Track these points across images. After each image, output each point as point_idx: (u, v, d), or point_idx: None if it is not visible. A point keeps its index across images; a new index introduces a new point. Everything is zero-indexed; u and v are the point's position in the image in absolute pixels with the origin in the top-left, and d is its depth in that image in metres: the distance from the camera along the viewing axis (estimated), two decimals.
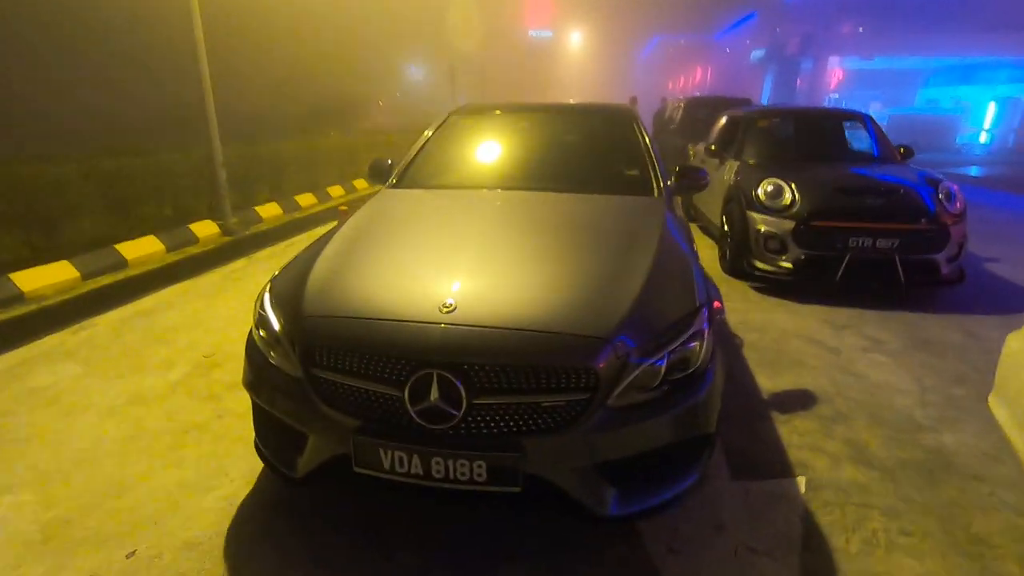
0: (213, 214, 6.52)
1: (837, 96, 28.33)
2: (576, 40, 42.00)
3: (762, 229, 4.40)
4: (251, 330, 2.08)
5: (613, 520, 1.68)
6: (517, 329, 1.68)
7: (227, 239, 6.31)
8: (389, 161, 3.26)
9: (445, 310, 1.70)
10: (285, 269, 2.18)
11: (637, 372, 1.65)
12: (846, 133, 5.69)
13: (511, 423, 1.63)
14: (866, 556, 1.83)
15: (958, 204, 4.25)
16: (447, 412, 1.61)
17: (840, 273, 4.17)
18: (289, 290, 1.97)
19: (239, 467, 2.29)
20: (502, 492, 1.63)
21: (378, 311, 1.77)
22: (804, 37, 25.04)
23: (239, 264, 5.36)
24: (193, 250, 5.80)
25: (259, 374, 1.94)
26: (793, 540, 1.89)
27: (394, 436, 1.66)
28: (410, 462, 1.64)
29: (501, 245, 2.16)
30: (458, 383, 1.59)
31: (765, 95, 29.19)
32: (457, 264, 1.99)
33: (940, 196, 4.23)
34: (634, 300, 1.78)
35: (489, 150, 3.28)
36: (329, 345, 1.74)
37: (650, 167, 2.97)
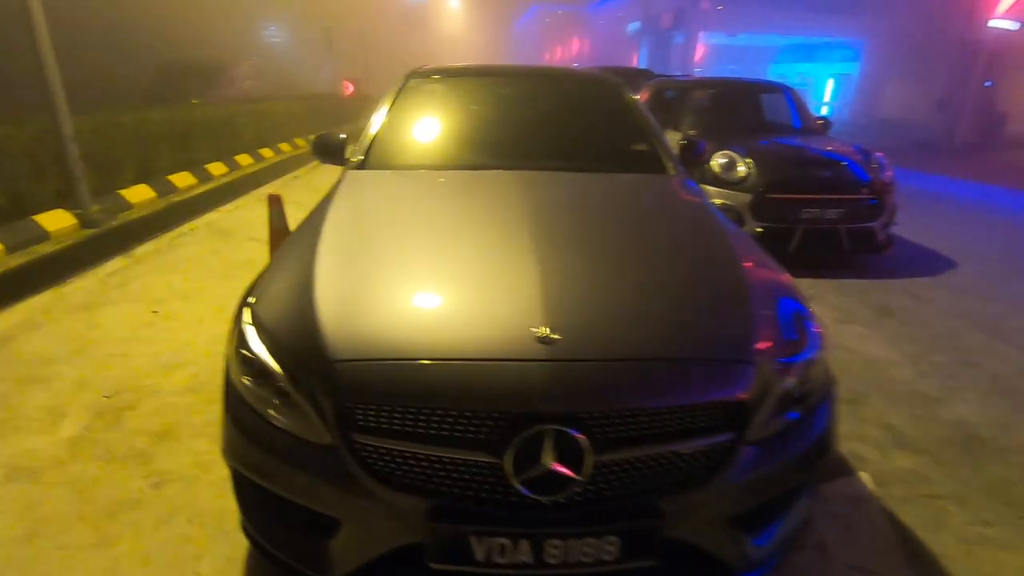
0: (65, 201, 5.22)
1: (700, 69, 30.34)
2: (454, 6, 40.57)
3: (717, 203, 4.34)
4: (227, 375, 1.49)
5: (756, 572, 1.39)
6: (641, 359, 1.29)
7: (89, 232, 5.10)
8: (342, 136, 2.63)
9: (542, 340, 1.27)
10: (264, 289, 1.58)
11: (775, 398, 1.35)
12: (768, 105, 5.85)
13: (644, 481, 1.26)
14: (967, 557, 1.74)
15: (888, 173, 4.49)
16: (565, 478, 1.20)
17: (794, 244, 4.24)
18: (289, 322, 1.41)
19: (210, 562, 1.68)
20: (635, 569, 1.27)
21: (449, 347, 1.28)
22: (677, 12, 26.26)
23: (117, 264, 4.30)
24: (45, 248, 4.59)
25: (254, 441, 1.37)
26: (895, 551, 1.75)
27: (490, 517, 1.22)
28: (516, 549, 1.21)
29: (553, 245, 1.71)
30: (580, 439, 1.18)
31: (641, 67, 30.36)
32: (520, 273, 1.52)
33: (874, 166, 4.44)
34: (750, 309, 1.48)
35: (467, 121, 2.77)
36: (380, 401, 1.23)
37: (655, 140, 2.66)
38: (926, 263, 4.71)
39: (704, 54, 30.88)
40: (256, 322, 1.45)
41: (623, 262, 1.66)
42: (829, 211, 4.21)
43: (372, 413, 1.24)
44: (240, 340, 1.45)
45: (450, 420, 1.22)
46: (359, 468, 1.24)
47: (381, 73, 25.30)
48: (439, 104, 2.84)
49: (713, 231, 1.89)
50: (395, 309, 1.40)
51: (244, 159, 8.76)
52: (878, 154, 4.60)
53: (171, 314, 3.37)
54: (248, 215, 5.89)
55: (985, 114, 15.27)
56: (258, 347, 1.39)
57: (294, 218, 4.28)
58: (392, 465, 1.25)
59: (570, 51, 49.20)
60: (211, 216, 5.84)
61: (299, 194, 6.98)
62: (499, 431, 1.20)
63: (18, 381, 2.61)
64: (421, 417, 1.22)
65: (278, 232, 3.13)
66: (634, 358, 1.28)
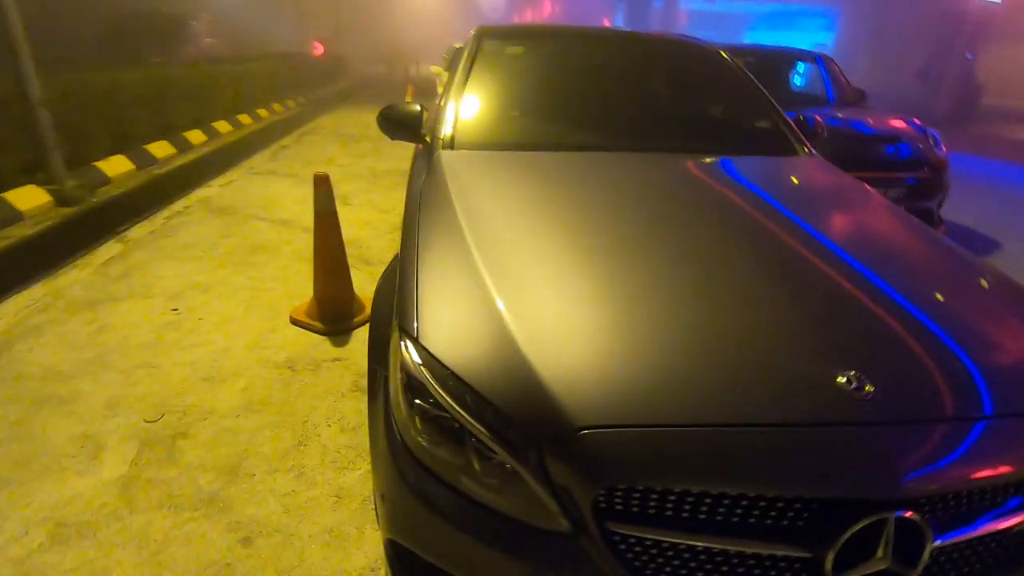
0: (34, 176, 4.57)
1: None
2: None
3: None
4: (391, 426, 1.16)
5: None
6: (979, 417, 1.01)
7: (68, 211, 4.48)
8: (416, 107, 2.22)
9: (854, 393, 0.97)
10: (427, 318, 1.22)
11: None
12: (802, 75, 5.58)
13: (976, 567, 1.00)
14: None
15: (943, 149, 4.31)
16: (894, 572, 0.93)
17: None
18: (494, 372, 1.06)
19: None
20: None
21: (732, 408, 0.97)
22: None
23: (111, 250, 3.77)
24: (22, 231, 4.00)
25: (439, 518, 1.05)
26: None
27: None
28: None
29: (776, 256, 1.39)
30: (920, 524, 0.91)
31: None
32: (771, 298, 1.22)
33: (930, 142, 4.25)
34: None
35: (564, 92, 2.38)
36: (650, 479, 0.92)
37: (777, 116, 2.36)
38: (971, 243, 4.61)
39: (684, 21, 30.43)
40: (432, 364, 1.10)
41: (883, 280, 1.33)
42: (891, 191, 4.01)
43: (636, 495, 0.93)
44: (412, 387, 1.11)
45: (745, 504, 0.92)
46: (614, 564, 0.94)
47: (353, 33, 23.96)
48: (525, 71, 2.46)
49: (931, 235, 1.62)
50: (636, 357, 1.07)
51: (223, 126, 8.01)
52: (932, 129, 4.41)
53: (194, 312, 2.93)
54: (246, 191, 5.34)
55: (963, 86, 15.47)
56: (446, 400, 1.05)
57: (305, 197, 3.87)
58: (659, 560, 0.95)
59: (541, 13, 47.82)
60: (204, 192, 5.26)
61: (297, 166, 6.41)
62: (819, 519, 0.91)
63: (33, 403, 2.17)
64: (704, 500, 0.92)
65: (325, 216, 2.71)
66: (972, 416, 1.00)
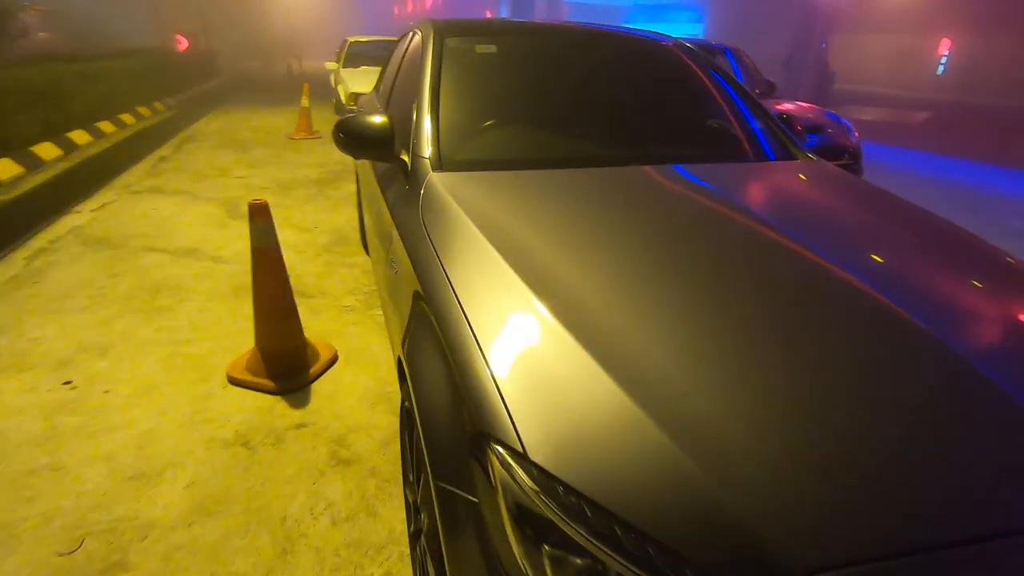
0: None
1: None
2: None
3: None
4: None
5: None
6: None
7: None
8: (385, 118, 1.85)
9: None
10: (524, 420, 0.90)
11: None
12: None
13: None
14: None
15: (856, 136, 4.58)
16: None
17: None
18: (642, 483, 0.79)
19: None
20: None
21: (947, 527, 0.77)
22: None
23: None
24: None
25: None
26: None
27: None
28: None
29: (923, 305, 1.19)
30: None
31: None
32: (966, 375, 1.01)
33: (844, 130, 4.49)
34: None
35: (556, 97, 2.11)
36: None
37: (767, 117, 2.26)
38: None
39: (565, 12, 31.07)
40: (553, 488, 0.81)
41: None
42: None
43: None
44: (531, 523, 0.81)
45: None
46: None
47: (220, 27, 21.76)
48: (504, 74, 2.15)
49: (954, 233, 1.55)
50: (818, 457, 0.84)
51: (80, 136, 6.80)
52: (844, 118, 4.67)
53: (95, 383, 2.32)
54: (127, 215, 4.50)
55: (820, 73, 17.18)
56: (585, 539, 0.76)
57: (205, 218, 3.40)
58: None
59: (423, 5, 46.75)
60: (72, 220, 4.36)
61: (185, 181, 5.55)
62: None
63: None
64: None
65: (265, 253, 2.23)
66: None
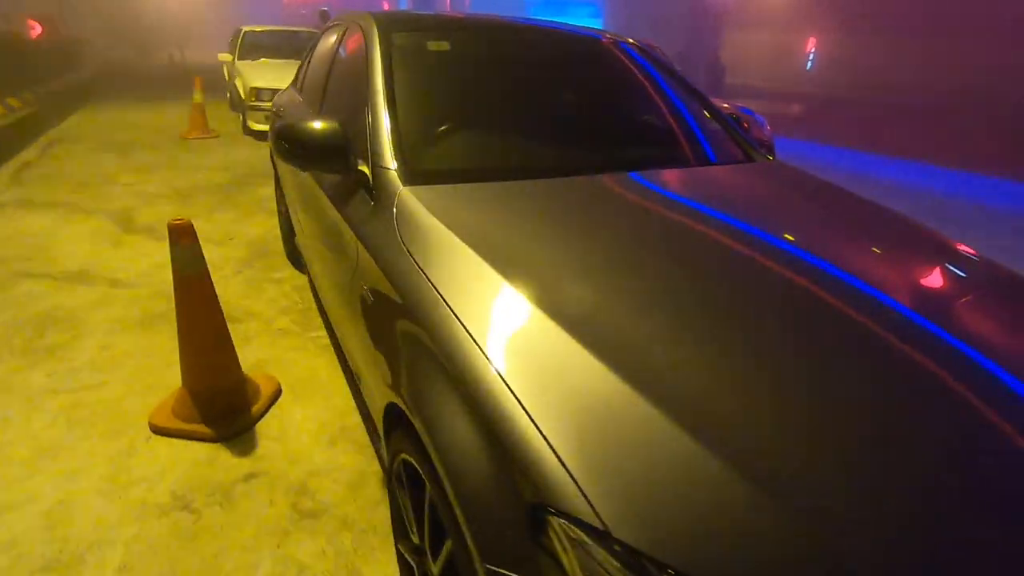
0: None
1: None
2: None
3: None
4: None
5: None
6: None
7: None
8: (336, 123, 1.63)
9: None
10: (585, 481, 0.78)
11: None
12: None
13: None
14: None
15: (769, 130, 4.84)
16: None
17: None
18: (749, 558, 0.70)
19: None
20: None
21: None
22: None
23: None
24: None
25: None
26: None
27: None
28: None
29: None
30: None
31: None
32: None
33: (759, 125, 4.73)
34: None
35: (520, 98, 1.97)
36: None
37: (720, 118, 2.26)
38: None
39: (468, 4, 30.77)
40: (646, 569, 0.70)
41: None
42: None
43: None
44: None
45: None
46: None
47: (84, 11, 19.29)
48: (462, 72, 1.99)
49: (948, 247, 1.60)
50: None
51: None
52: (758, 114, 4.91)
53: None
54: None
55: (713, 68, 18.28)
56: None
57: (91, 234, 3.01)
58: None
59: None
60: None
61: (60, 190, 4.81)
62: None
63: None
64: None
65: (194, 281, 1.92)
66: None
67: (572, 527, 0.75)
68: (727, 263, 1.29)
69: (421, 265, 1.22)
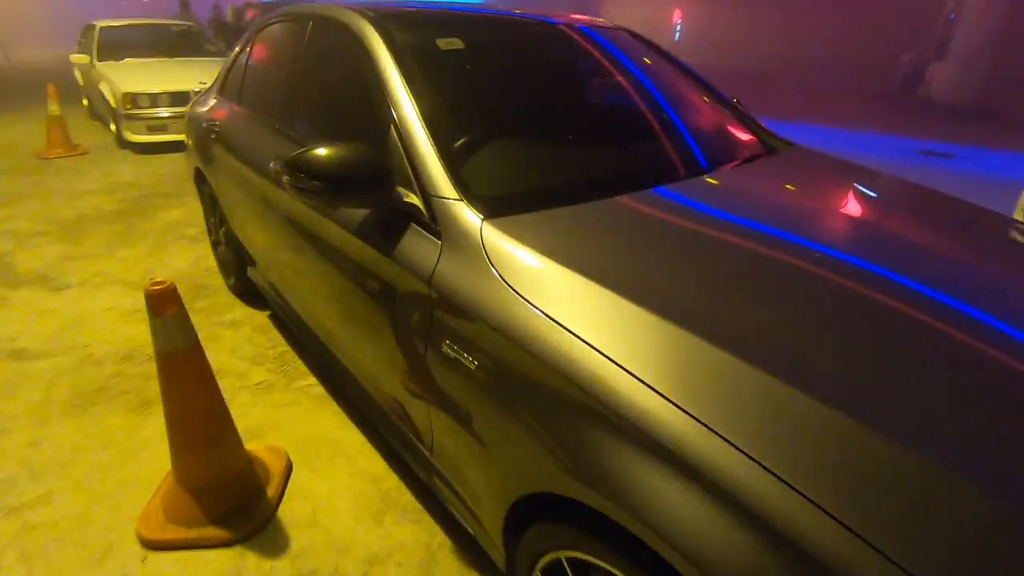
0: None
1: None
2: None
3: None
4: None
5: None
6: None
7: None
8: (365, 151, 1.33)
9: None
10: None
11: None
12: None
13: None
14: None
15: None
16: None
17: None
18: None
19: None
20: None
21: None
22: None
23: None
24: None
25: None
26: None
27: None
28: None
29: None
30: None
31: None
32: None
33: None
34: None
35: (563, 104, 1.76)
36: None
37: (733, 107, 2.18)
38: None
39: None
40: None
41: None
42: None
43: None
44: None
45: None
46: None
47: None
48: (482, 79, 1.72)
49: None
50: None
51: None
52: None
53: None
54: None
55: None
56: None
57: None
58: None
59: None
60: None
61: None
62: None
63: None
64: None
65: (178, 360, 1.52)
66: None
67: None
68: (847, 271, 1.19)
69: (558, 318, 1.00)
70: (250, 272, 2.72)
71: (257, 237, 2.33)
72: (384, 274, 1.38)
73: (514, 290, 1.08)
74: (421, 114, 1.42)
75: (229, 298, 3.06)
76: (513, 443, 1.06)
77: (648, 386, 0.86)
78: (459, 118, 1.52)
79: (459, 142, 1.43)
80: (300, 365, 2.47)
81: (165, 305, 1.45)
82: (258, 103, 2.30)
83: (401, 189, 1.36)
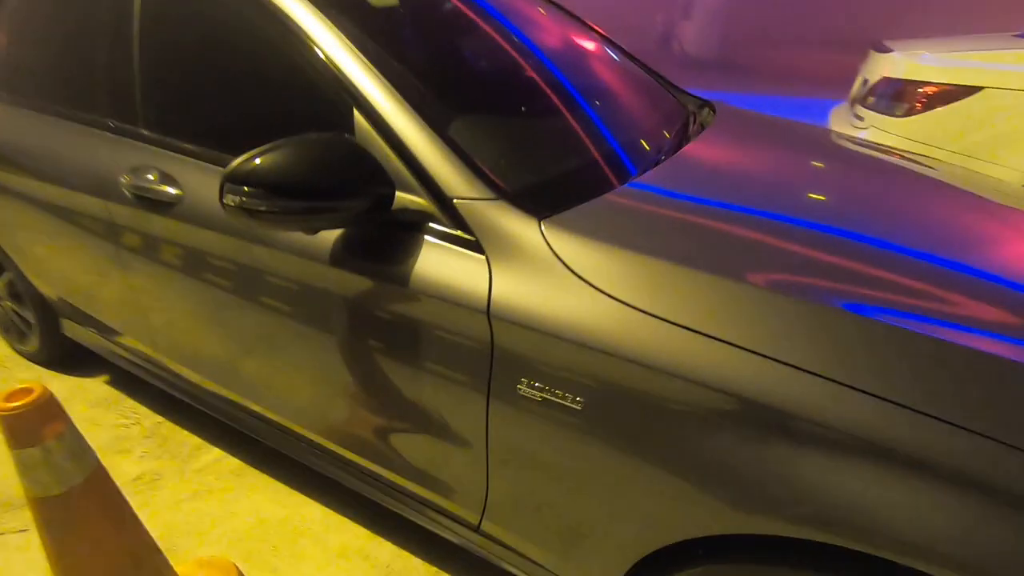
0: None
1: None
2: None
3: None
4: None
5: None
6: None
7: None
8: (351, 138, 0.97)
9: None
10: None
11: None
12: None
13: None
14: None
15: None
16: None
17: None
18: None
19: None
20: None
21: None
22: None
23: None
24: None
25: None
26: None
27: None
28: None
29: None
30: None
31: None
32: None
33: None
34: None
35: (517, 75, 1.45)
36: None
37: (664, 81, 2.11)
38: None
39: None
40: None
41: None
42: None
43: None
44: None
45: None
46: None
47: None
48: (442, 45, 1.37)
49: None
50: None
51: None
52: None
53: None
54: None
55: None
56: None
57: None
58: None
59: None
60: None
61: None
62: None
63: None
64: None
65: (75, 498, 0.97)
66: None
67: None
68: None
69: (699, 328, 0.82)
70: (67, 329, 1.97)
71: (88, 280, 1.66)
72: (386, 310, 1.03)
73: (626, 304, 0.86)
74: (406, 97, 1.05)
75: (30, 370, 2.19)
76: (643, 490, 0.87)
77: (828, 379, 0.74)
78: (443, 91, 1.19)
79: (457, 121, 1.11)
80: (187, 436, 1.87)
81: (42, 426, 0.91)
82: (49, 93, 1.58)
83: (398, 193, 1.02)
